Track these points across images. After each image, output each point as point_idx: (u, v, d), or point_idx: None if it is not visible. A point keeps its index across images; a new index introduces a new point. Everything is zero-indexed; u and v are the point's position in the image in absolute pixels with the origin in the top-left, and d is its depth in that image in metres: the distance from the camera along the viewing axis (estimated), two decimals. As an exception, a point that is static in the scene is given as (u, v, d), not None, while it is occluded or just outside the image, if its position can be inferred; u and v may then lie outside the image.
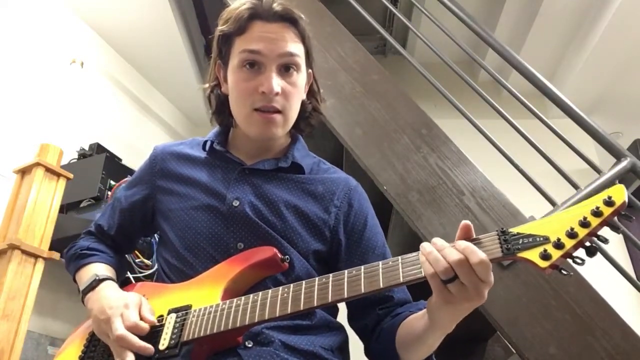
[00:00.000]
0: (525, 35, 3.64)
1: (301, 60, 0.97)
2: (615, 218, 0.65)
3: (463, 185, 1.62)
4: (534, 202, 1.68)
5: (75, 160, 2.52)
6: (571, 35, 3.65)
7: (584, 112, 1.67)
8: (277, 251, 0.86)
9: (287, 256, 0.87)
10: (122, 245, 1.10)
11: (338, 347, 0.92)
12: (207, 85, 1.04)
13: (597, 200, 0.65)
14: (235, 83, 0.95)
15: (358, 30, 2.13)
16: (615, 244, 3.19)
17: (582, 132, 1.67)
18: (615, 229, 0.67)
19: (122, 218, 1.06)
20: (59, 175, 2.08)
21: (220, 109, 1.02)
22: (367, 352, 0.95)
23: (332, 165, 1.08)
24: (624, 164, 1.56)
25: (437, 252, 0.69)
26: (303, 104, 1.02)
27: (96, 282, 0.93)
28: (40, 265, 1.92)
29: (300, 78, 0.98)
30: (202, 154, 1.03)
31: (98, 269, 0.99)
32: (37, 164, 2.00)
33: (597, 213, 0.64)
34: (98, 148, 2.54)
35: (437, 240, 0.71)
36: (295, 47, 0.95)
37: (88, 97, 2.92)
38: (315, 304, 0.76)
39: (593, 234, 0.65)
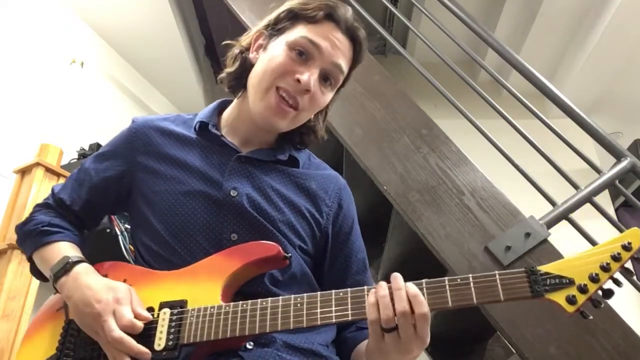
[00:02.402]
0: (525, 35, 3.64)
1: (341, 79, 0.98)
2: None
3: (463, 185, 1.62)
4: (534, 202, 1.68)
5: (75, 160, 2.51)
6: (571, 35, 3.65)
7: (584, 112, 1.67)
8: (280, 249, 0.84)
9: (290, 254, 0.85)
10: (85, 221, 1.00)
11: (333, 341, 0.93)
12: (236, 42, 1.01)
13: (617, 246, 0.70)
14: (276, 56, 0.92)
15: (358, 30, 2.13)
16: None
17: (582, 132, 1.67)
18: (628, 273, 0.75)
19: (92, 194, 0.97)
20: (59, 175, 2.08)
21: (240, 73, 0.98)
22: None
23: (321, 160, 1.07)
24: (624, 164, 1.56)
25: (388, 299, 0.71)
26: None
27: (70, 265, 0.85)
28: (40, 266, 1.92)
29: (330, 94, 0.97)
30: (192, 134, 0.97)
31: (66, 249, 0.90)
32: (37, 164, 1.99)
33: (616, 258, 0.69)
34: (98, 148, 2.54)
35: (395, 280, 0.73)
36: (345, 66, 0.96)
37: (88, 97, 2.91)
38: (334, 320, 0.74)
39: (611, 277, 0.70)
